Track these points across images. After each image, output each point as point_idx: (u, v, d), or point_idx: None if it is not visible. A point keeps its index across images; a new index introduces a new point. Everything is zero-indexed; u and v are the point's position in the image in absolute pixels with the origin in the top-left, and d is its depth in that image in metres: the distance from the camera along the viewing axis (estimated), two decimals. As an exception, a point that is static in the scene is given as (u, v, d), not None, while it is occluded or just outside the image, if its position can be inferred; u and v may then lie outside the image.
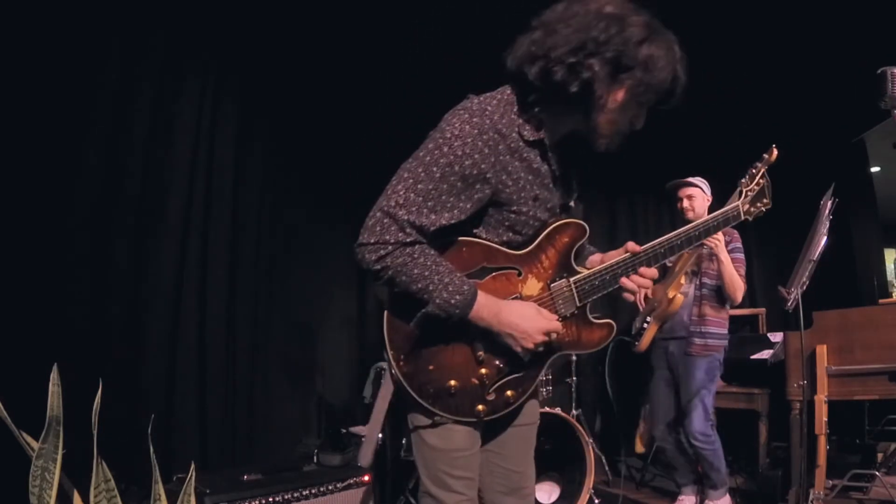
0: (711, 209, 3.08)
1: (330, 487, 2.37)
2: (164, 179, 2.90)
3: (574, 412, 3.49)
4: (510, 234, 1.28)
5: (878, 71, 1.98)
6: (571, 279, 1.30)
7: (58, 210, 2.49)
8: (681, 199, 3.06)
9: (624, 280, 1.31)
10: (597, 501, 3.08)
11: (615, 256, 1.33)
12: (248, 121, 3.35)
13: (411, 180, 1.17)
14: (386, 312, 1.26)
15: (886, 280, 5.41)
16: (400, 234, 1.15)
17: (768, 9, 3.54)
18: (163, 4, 2.90)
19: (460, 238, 1.26)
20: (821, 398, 2.65)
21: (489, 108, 1.20)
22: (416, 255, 1.16)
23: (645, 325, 3.07)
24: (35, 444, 1.38)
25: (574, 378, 3.67)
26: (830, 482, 2.83)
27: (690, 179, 3.05)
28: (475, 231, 1.28)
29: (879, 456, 3.39)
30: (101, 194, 2.64)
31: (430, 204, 1.16)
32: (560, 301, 1.30)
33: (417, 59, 3.59)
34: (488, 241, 1.27)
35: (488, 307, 1.21)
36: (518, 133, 1.22)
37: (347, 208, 3.44)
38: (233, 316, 3.19)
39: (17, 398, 1.46)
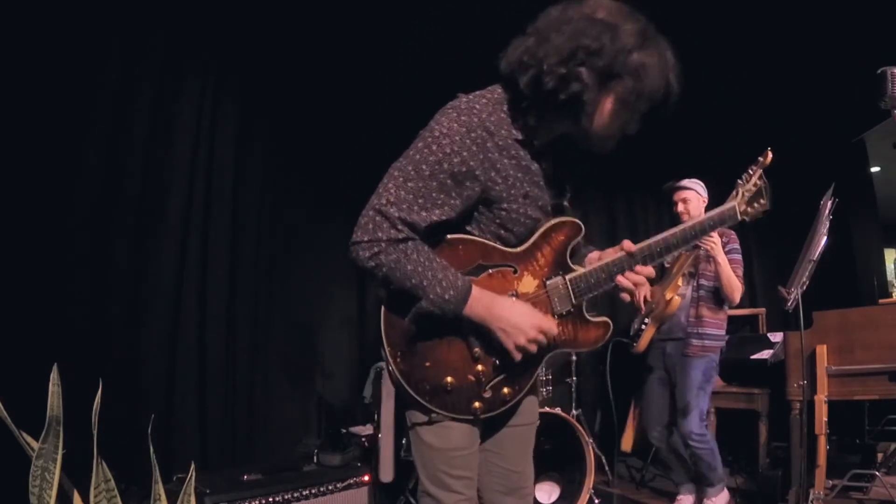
0: (709, 210, 3.09)
1: (330, 487, 2.37)
2: (164, 179, 2.90)
3: (574, 412, 3.49)
4: (502, 232, 1.29)
5: (878, 71, 1.98)
6: (567, 276, 1.31)
7: (58, 210, 2.49)
8: (676, 203, 3.07)
9: (620, 278, 1.31)
10: (597, 501, 3.08)
11: (612, 255, 1.33)
12: (248, 121, 3.35)
13: (402, 178, 1.18)
14: (383, 310, 1.27)
15: (886, 280, 5.41)
16: (392, 231, 1.16)
17: (768, 9, 3.54)
18: (163, 4, 2.90)
19: (456, 236, 1.27)
20: (821, 398, 2.65)
21: (477, 106, 1.22)
22: (409, 252, 1.17)
23: (643, 326, 3.08)
24: (35, 444, 1.38)
25: (574, 378, 3.67)
26: (830, 482, 2.83)
27: (685, 182, 3.05)
28: (468, 229, 1.28)
29: (879, 456, 3.39)
30: (101, 194, 2.64)
31: (420, 201, 1.18)
32: (556, 298, 1.30)
33: (417, 59, 3.59)
34: (483, 238, 1.28)
35: (482, 302, 1.21)
36: (507, 131, 1.23)
37: (347, 208, 3.41)
38: (233, 316, 3.19)
39: (17, 398, 1.46)
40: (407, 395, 1.27)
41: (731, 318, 3.08)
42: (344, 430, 3.09)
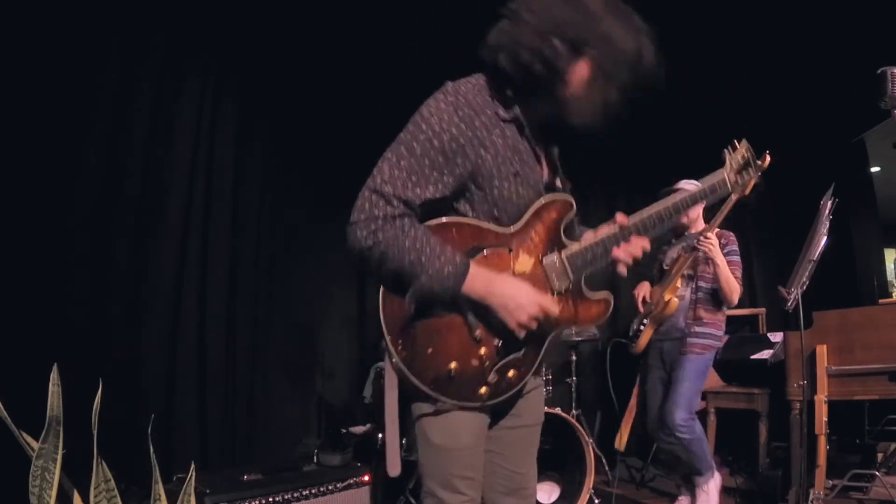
0: (707, 212, 3.10)
1: (330, 487, 2.37)
2: (164, 179, 2.91)
3: (574, 412, 3.49)
4: (495, 212, 1.29)
5: (878, 71, 1.98)
6: (563, 253, 1.31)
7: (58, 210, 2.49)
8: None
9: (615, 250, 1.32)
10: (597, 501, 3.08)
11: (607, 230, 1.34)
12: (248, 121, 3.35)
13: (394, 159, 1.21)
14: (381, 300, 1.25)
15: (886, 280, 5.41)
16: (388, 208, 1.17)
17: (768, 9, 3.54)
18: (163, 4, 2.90)
19: (450, 219, 1.26)
20: (821, 398, 2.65)
21: (463, 88, 1.27)
22: (406, 228, 1.18)
23: (642, 326, 3.10)
24: (35, 444, 1.38)
25: (574, 378, 3.67)
26: (830, 482, 2.83)
27: (682, 184, 3.05)
28: (462, 211, 1.29)
29: (879, 456, 3.39)
30: (101, 194, 2.64)
31: (414, 178, 1.19)
32: (553, 276, 1.30)
33: (417, 59, 3.59)
34: (476, 220, 1.28)
35: (481, 278, 1.21)
36: (492, 111, 1.27)
37: (347, 208, 3.43)
38: (233, 316, 3.19)
39: (17, 398, 1.46)
40: (411, 386, 1.25)
41: (731, 318, 3.09)
42: (344, 430, 3.10)
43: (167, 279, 2.88)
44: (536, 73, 1.22)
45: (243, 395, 3.21)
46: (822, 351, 2.68)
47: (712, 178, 1.39)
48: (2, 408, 1.36)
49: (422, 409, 1.29)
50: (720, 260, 2.85)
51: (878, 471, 2.99)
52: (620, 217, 1.33)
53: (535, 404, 1.45)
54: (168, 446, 2.74)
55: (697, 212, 3.08)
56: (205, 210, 3.07)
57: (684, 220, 3.07)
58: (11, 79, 2.32)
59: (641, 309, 3.13)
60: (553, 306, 1.25)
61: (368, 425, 3.20)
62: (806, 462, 2.61)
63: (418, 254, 1.17)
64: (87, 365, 2.28)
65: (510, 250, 1.28)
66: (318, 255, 3.62)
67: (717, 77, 4.02)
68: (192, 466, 1.55)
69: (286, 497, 2.24)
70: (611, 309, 1.36)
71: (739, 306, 3.90)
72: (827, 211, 2.48)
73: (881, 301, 4.17)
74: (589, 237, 1.35)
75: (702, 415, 3.46)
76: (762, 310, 4.56)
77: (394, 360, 1.25)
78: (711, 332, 2.95)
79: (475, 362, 1.25)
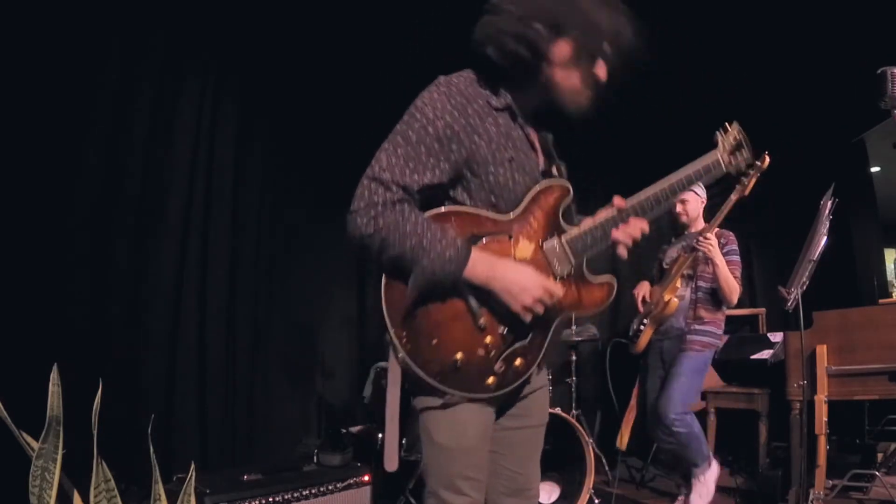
0: (707, 210, 3.11)
1: (330, 487, 2.37)
2: (164, 179, 2.91)
3: (574, 412, 3.49)
4: (493, 199, 1.29)
5: (878, 71, 1.98)
6: (563, 238, 1.32)
7: (58, 210, 2.49)
8: (674, 204, 3.08)
9: (615, 232, 1.33)
10: (597, 501, 3.08)
11: (605, 214, 1.36)
12: (248, 121, 3.35)
13: (391, 148, 1.22)
14: (383, 292, 1.22)
15: (886, 280, 5.40)
16: (388, 194, 1.18)
17: (768, 8, 3.54)
18: (163, 4, 2.90)
19: (447, 208, 1.26)
20: (821, 398, 2.65)
21: (455, 79, 1.30)
22: (406, 213, 1.18)
23: (641, 326, 3.10)
24: (35, 444, 1.38)
25: (574, 378, 3.67)
26: (830, 482, 2.83)
27: None
28: (460, 199, 1.29)
29: (879, 456, 3.39)
30: (101, 194, 2.64)
31: (411, 164, 1.21)
32: (554, 260, 1.30)
33: (417, 59, 3.58)
34: (475, 208, 1.28)
35: (483, 263, 1.20)
36: (484, 101, 1.29)
37: (348, 208, 3.44)
38: (233, 316, 3.19)
39: (17, 398, 1.46)
40: (416, 379, 1.23)
41: (730, 318, 3.09)
42: (344, 430, 3.09)
43: (167, 279, 2.88)
44: (522, 57, 1.26)
45: (243, 395, 3.21)
46: (822, 351, 2.68)
47: (706, 159, 1.41)
48: (2, 408, 1.36)
49: (429, 403, 1.27)
50: (719, 260, 2.86)
51: (878, 471, 2.99)
52: (618, 200, 1.35)
53: (541, 404, 1.44)
54: (168, 446, 2.74)
55: (698, 211, 3.10)
56: (205, 210, 3.07)
57: (684, 219, 3.10)
58: (11, 79, 2.32)
59: (641, 309, 3.14)
60: (557, 289, 1.25)
61: (364, 426, 3.20)
62: (806, 462, 2.60)
63: (419, 238, 1.17)
64: (87, 365, 2.27)
65: (510, 237, 1.28)
66: (318, 255, 3.61)
67: (717, 77, 4.02)
68: (192, 466, 1.54)
69: (286, 497, 2.24)
70: (614, 292, 1.36)
71: (739, 306, 3.90)
72: (827, 211, 2.48)
73: (881, 301, 4.17)
74: (588, 222, 1.36)
75: (702, 415, 3.46)
76: (762, 310, 4.56)
77: (399, 356, 1.23)
78: (711, 330, 2.96)
79: (481, 351, 1.24)
